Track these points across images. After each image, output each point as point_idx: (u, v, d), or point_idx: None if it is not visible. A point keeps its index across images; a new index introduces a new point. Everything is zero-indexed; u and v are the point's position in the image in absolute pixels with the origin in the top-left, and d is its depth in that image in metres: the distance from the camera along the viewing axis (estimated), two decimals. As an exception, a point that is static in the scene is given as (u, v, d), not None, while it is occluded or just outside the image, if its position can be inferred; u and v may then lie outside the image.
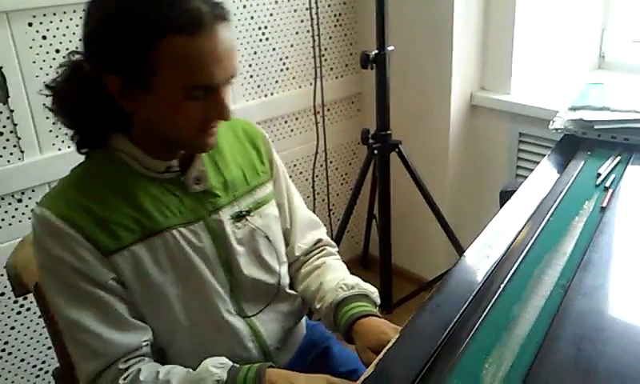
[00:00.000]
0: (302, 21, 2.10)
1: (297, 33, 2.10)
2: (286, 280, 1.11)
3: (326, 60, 2.23)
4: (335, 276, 1.09)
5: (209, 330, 0.98)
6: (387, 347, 0.80)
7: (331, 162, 2.38)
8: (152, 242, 0.91)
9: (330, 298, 1.04)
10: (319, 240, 1.18)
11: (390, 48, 1.77)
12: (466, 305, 0.86)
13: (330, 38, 2.23)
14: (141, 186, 0.92)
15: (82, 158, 0.97)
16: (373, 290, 1.06)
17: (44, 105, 0.96)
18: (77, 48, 0.92)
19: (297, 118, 2.21)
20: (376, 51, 1.76)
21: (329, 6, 2.18)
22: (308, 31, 2.10)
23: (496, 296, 0.89)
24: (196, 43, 0.80)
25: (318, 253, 1.17)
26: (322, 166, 2.29)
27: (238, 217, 1.00)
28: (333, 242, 1.21)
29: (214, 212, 0.97)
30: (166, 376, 0.88)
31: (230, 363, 0.88)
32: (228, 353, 0.97)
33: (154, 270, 0.91)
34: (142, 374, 0.88)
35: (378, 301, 1.06)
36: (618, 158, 1.32)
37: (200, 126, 0.87)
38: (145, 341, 0.91)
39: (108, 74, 0.84)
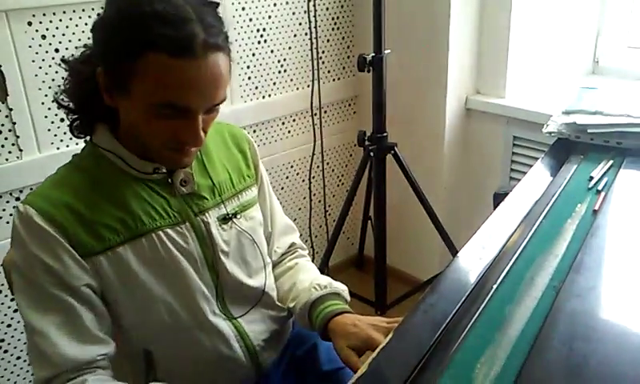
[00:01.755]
0: (299, 23, 2.11)
1: (295, 35, 2.11)
2: (270, 281, 1.12)
3: (323, 62, 2.24)
4: (307, 276, 1.13)
5: (194, 331, 0.98)
6: (380, 347, 0.81)
7: (328, 164, 2.39)
8: (138, 243, 0.91)
9: (305, 298, 1.07)
10: (292, 244, 1.22)
11: (387, 51, 1.78)
12: (458, 305, 0.87)
13: (328, 40, 2.24)
14: (127, 186, 0.93)
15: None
16: (344, 288, 1.10)
17: (54, 95, 0.98)
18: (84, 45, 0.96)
19: (294, 120, 2.22)
20: (373, 54, 1.78)
21: (327, 9, 2.20)
22: (306, 34, 2.11)
23: (488, 297, 0.90)
24: (178, 65, 0.81)
25: (290, 255, 1.21)
26: (318, 167, 2.30)
27: (225, 219, 1.01)
28: (304, 245, 1.25)
29: (200, 214, 0.98)
30: None
31: None
32: (213, 352, 0.99)
33: (140, 271, 0.92)
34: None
35: (348, 298, 1.10)
36: (611, 162, 1.34)
37: (171, 144, 0.89)
38: (101, 355, 0.89)
39: (99, 66, 0.87)
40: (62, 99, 0.96)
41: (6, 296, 1.61)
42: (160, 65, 0.81)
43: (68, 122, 0.98)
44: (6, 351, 1.69)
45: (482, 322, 0.85)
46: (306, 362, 1.14)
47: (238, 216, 1.04)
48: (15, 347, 1.68)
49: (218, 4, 0.88)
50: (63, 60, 0.95)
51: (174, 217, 0.95)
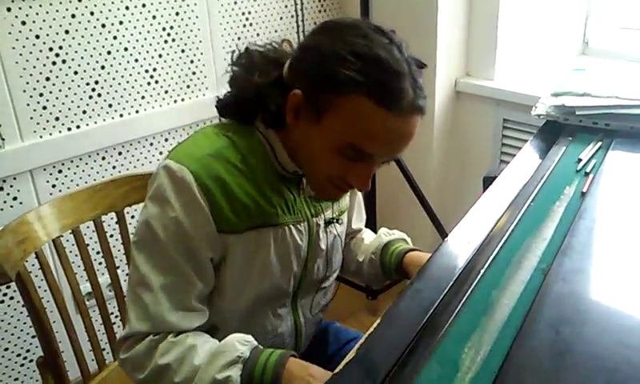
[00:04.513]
0: (285, 6, 2.08)
1: (281, 18, 2.09)
2: (334, 285, 1.17)
3: (310, 46, 2.22)
4: (372, 234, 1.25)
5: (265, 318, 1.01)
6: (368, 332, 0.81)
7: (317, 149, 2.37)
8: (266, 232, 0.94)
9: (376, 243, 1.18)
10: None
11: (375, 34, 1.76)
12: (446, 290, 0.87)
13: (315, 23, 2.22)
14: (271, 177, 0.95)
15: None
16: (408, 237, 1.22)
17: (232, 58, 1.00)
18: (285, 39, 1.01)
19: (282, 105, 2.20)
20: (360, 37, 1.75)
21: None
22: (292, 16, 2.09)
23: (476, 281, 0.89)
24: (380, 115, 0.82)
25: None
26: (307, 152, 2.28)
27: (329, 223, 1.05)
28: None
29: (315, 215, 1.02)
30: (193, 340, 0.88)
31: (255, 343, 0.89)
32: (270, 340, 1.02)
33: (259, 258, 0.95)
34: (171, 335, 0.89)
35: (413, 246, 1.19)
36: (599, 144, 1.33)
37: (337, 181, 0.91)
38: (196, 327, 0.92)
39: (298, 87, 0.87)
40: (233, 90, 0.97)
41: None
42: (363, 108, 0.81)
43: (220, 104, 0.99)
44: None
45: (469, 307, 0.84)
46: (316, 346, 1.19)
47: (338, 221, 1.08)
48: (2, 339, 1.67)
49: (426, 66, 0.89)
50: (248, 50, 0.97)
51: (297, 214, 0.98)
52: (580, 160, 1.26)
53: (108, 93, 1.72)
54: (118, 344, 0.92)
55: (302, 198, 1.00)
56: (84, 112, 1.68)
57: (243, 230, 0.92)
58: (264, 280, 0.97)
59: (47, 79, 1.59)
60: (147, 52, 1.76)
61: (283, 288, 1.01)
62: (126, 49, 1.72)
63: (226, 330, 0.96)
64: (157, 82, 1.81)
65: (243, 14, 1.98)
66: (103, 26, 1.66)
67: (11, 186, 1.59)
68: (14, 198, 1.60)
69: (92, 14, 1.62)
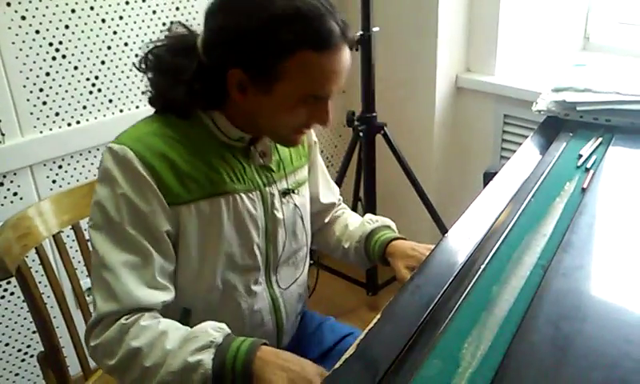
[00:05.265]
0: (286, 1, 2.07)
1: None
2: (308, 259, 1.17)
3: (311, 41, 2.21)
4: (357, 218, 1.25)
5: (237, 297, 1.02)
6: (368, 328, 0.81)
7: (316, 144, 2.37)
8: (217, 201, 0.95)
9: (360, 231, 1.19)
10: (339, 199, 1.31)
11: (375, 29, 1.76)
12: (446, 286, 0.87)
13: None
14: (214, 147, 0.97)
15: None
16: (392, 223, 1.22)
17: (135, 65, 1.00)
18: (175, 21, 0.99)
19: (282, 100, 2.20)
20: (361, 32, 1.75)
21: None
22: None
23: (476, 277, 0.89)
24: (323, 59, 0.87)
25: (336, 208, 1.29)
26: (307, 148, 2.28)
27: (285, 193, 1.06)
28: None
29: (268, 185, 1.03)
30: (165, 326, 0.88)
31: (228, 330, 0.89)
32: (248, 320, 1.03)
33: (213, 228, 0.96)
34: (143, 320, 0.89)
35: (397, 232, 1.19)
36: (600, 140, 1.33)
37: (300, 127, 0.96)
38: (164, 301, 0.92)
39: (235, 67, 0.89)
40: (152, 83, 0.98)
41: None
42: (308, 60, 0.86)
43: (150, 101, 1.00)
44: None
45: (469, 302, 0.84)
46: (311, 341, 1.19)
47: (295, 192, 1.09)
48: (3, 334, 1.68)
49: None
50: (150, 51, 0.98)
51: (248, 183, 0.99)
52: (580, 156, 1.26)
53: (108, 88, 1.72)
54: (87, 332, 0.91)
55: (253, 168, 1.01)
56: (84, 107, 1.68)
57: (194, 200, 0.93)
58: (222, 251, 0.97)
59: (47, 74, 1.58)
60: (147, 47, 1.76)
61: (249, 262, 1.01)
62: (126, 44, 1.72)
63: (199, 312, 0.98)
64: (157, 77, 1.81)
65: (243, 9, 1.97)
66: (103, 20, 1.65)
67: (11, 182, 1.59)
68: (15, 194, 1.60)
69: (92, 8, 1.62)
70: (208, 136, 0.97)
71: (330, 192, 1.26)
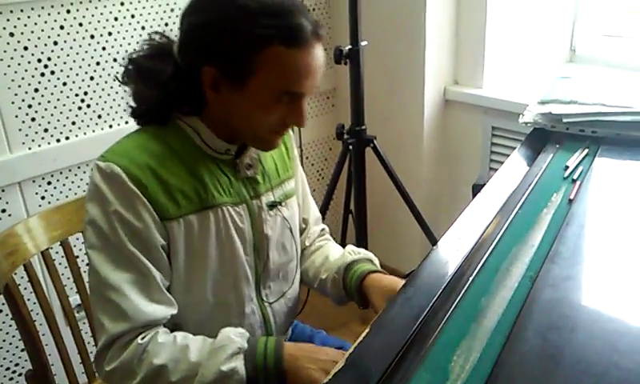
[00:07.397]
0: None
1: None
2: (298, 272, 1.17)
3: (300, 55, 2.22)
4: (339, 250, 1.21)
5: (228, 310, 1.02)
6: (358, 340, 0.81)
7: (307, 158, 2.38)
8: (205, 214, 0.95)
9: (339, 263, 1.14)
10: (323, 229, 1.29)
11: (364, 43, 1.77)
12: (435, 298, 0.87)
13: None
14: (201, 160, 0.97)
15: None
16: (374, 257, 1.18)
17: (117, 78, 0.99)
18: (153, 32, 0.98)
19: (272, 114, 2.20)
20: (349, 46, 1.76)
21: (302, 0, 2.18)
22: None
23: (465, 288, 0.90)
24: (295, 55, 0.87)
25: (320, 237, 1.27)
26: (298, 161, 2.28)
27: (272, 206, 1.06)
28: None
29: (255, 197, 1.03)
30: (183, 340, 0.90)
31: (248, 334, 0.92)
32: None
33: (202, 243, 0.96)
34: (159, 337, 0.89)
35: (379, 266, 1.17)
36: (586, 151, 1.34)
37: (276, 127, 0.95)
38: (170, 315, 0.93)
39: (206, 65, 0.89)
40: (133, 94, 0.98)
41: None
42: (280, 55, 0.87)
43: (134, 114, 0.99)
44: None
45: (458, 314, 0.85)
46: None
47: (282, 204, 1.08)
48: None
49: None
50: (130, 59, 0.96)
51: (234, 196, 0.99)
52: (567, 167, 1.27)
53: (97, 104, 1.72)
54: (98, 357, 0.91)
55: (240, 181, 1.01)
56: (73, 123, 1.68)
57: (184, 215, 0.93)
58: (210, 265, 0.97)
59: (36, 90, 1.58)
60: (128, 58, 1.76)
61: (237, 275, 1.01)
62: (115, 60, 1.72)
63: (190, 326, 0.97)
64: (146, 92, 1.81)
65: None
66: (92, 36, 1.66)
67: (0, 198, 1.58)
68: (3, 210, 1.60)
69: (81, 25, 1.62)
70: (194, 149, 0.96)
71: (307, 208, 1.23)
